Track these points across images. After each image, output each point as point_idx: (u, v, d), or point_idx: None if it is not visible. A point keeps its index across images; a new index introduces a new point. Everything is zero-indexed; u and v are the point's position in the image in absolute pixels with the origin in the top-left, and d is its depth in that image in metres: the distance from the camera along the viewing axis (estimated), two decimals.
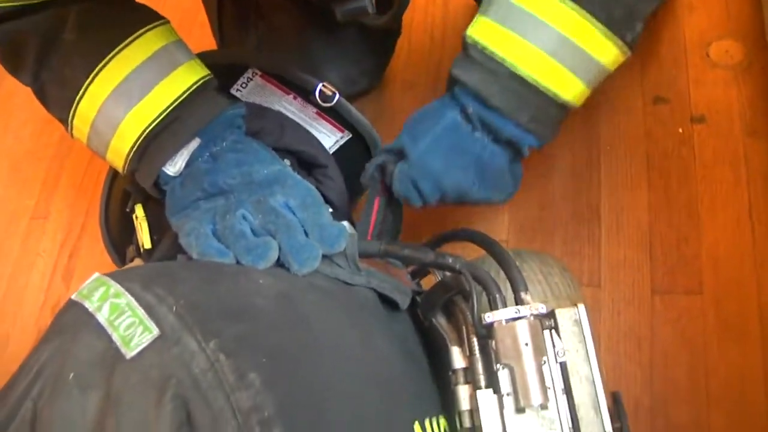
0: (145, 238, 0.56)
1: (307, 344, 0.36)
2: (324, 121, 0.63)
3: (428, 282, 0.55)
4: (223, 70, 0.57)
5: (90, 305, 0.35)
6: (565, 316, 0.41)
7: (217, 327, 0.33)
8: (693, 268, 0.71)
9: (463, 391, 0.41)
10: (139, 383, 0.31)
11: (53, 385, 0.32)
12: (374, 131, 0.66)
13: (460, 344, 0.43)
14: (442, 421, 0.42)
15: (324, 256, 0.44)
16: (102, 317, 0.34)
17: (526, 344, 0.38)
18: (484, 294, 0.41)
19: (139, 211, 0.58)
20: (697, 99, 0.77)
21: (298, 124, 0.60)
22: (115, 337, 0.33)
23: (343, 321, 0.41)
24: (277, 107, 0.60)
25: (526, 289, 0.40)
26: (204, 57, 0.55)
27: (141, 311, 0.33)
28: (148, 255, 0.57)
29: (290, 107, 0.60)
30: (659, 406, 0.67)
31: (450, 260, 0.44)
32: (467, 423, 0.41)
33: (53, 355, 0.34)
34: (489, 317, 0.39)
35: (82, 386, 0.32)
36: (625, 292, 0.72)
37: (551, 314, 0.41)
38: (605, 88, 0.80)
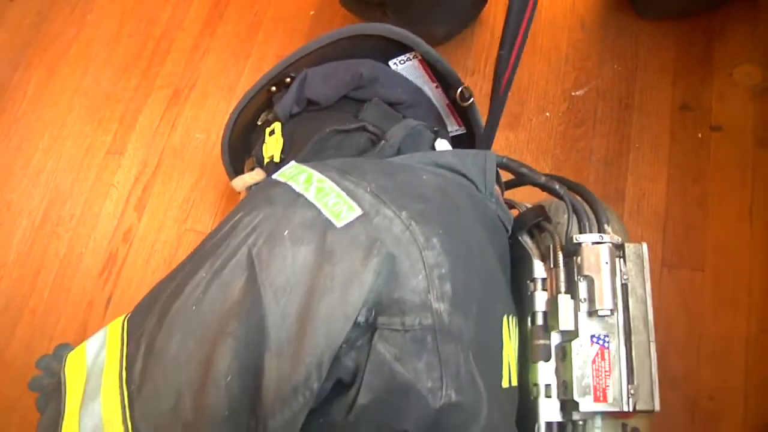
0: (276, 153, 0.63)
1: (462, 227, 0.42)
2: (449, 112, 0.71)
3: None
4: (388, 43, 0.64)
5: (296, 186, 0.40)
6: (631, 249, 0.51)
7: (403, 203, 0.38)
8: (698, 250, 0.83)
9: (540, 296, 0.51)
10: (349, 244, 0.36)
11: (267, 238, 0.37)
12: (485, 133, 0.70)
13: (542, 259, 0.52)
14: (513, 319, 0.50)
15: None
16: (310, 196, 0.39)
17: (606, 263, 0.48)
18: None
19: (277, 128, 0.65)
20: (718, 111, 0.89)
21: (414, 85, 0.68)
22: (324, 210, 0.37)
23: (478, 218, 0.47)
24: (419, 86, 0.68)
25: (608, 223, 0.52)
26: (379, 29, 0.63)
27: (343, 194, 0.38)
28: (274, 166, 0.61)
29: (430, 91, 0.68)
30: (659, 359, 0.79)
31: (557, 186, 0.53)
32: (540, 321, 0.50)
33: (267, 217, 0.38)
34: (579, 238, 0.49)
35: (294, 240, 0.36)
36: None
37: (622, 246, 0.51)
38: (640, 94, 0.93)
